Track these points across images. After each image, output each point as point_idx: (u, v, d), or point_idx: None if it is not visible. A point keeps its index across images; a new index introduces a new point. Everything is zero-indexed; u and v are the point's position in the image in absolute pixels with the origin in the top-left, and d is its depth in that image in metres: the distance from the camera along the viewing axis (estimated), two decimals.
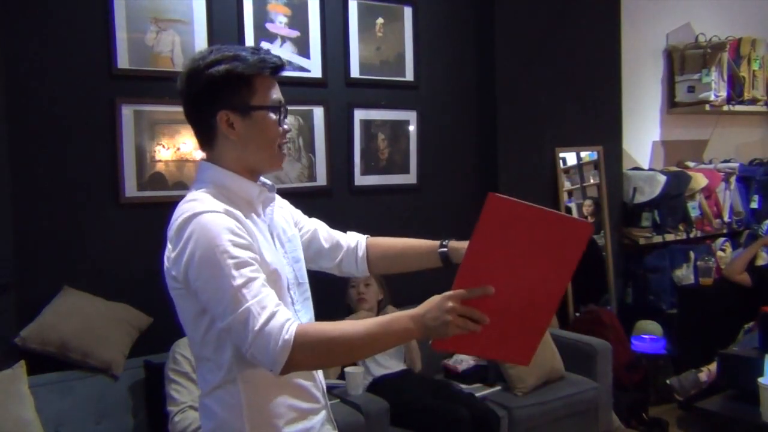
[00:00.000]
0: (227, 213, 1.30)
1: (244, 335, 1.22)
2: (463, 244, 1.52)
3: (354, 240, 1.69)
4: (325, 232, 1.71)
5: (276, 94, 1.40)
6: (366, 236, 1.71)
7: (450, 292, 1.24)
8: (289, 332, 1.21)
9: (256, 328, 1.21)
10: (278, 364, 1.21)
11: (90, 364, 2.52)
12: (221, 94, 1.35)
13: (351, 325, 1.28)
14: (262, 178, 1.48)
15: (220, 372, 1.34)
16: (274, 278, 1.36)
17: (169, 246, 1.33)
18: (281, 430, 1.36)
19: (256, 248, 1.32)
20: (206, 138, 1.41)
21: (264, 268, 1.32)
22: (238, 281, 1.24)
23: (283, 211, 1.58)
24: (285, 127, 1.42)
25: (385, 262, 1.67)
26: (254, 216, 1.41)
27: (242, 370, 1.33)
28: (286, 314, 1.25)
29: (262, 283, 1.27)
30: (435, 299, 1.25)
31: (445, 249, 1.64)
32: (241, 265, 1.25)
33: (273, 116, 1.39)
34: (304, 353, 1.22)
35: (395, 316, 1.27)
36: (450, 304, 1.22)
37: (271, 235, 1.45)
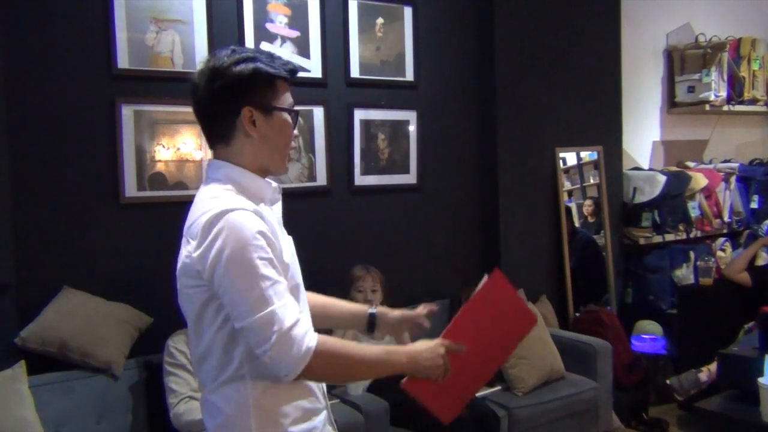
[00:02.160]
0: (256, 212, 1.32)
1: (267, 337, 1.25)
2: (389, 311, 1.67)
3: None
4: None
5: (291, 98, 1.44)
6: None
7: (442, 340, 1.43)
8: (312, 341, 1.27)
9: (283, 330, 1.25)
10: (296, 370, 1.26)
11: (90, 364, 2.52)
12: (247, 91, 1.37)
13: (363, 348, 1.39)
14: (268, 179, 1.49)
15: (228, 369, 1.34)
16: (292, 272, 1.39)
17: (191, 242, 1.32)
18: (286, 429, 1.37)
19: (280, 249, 1.34)
20: (222, 134, 1.41)
21: (285, 266, 1.35)
22: (266, 283, 1.26)
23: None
24: (295, 131, 1.46)
25: (313, 316, 1.67)
26: (270, 215, 1.42)
27: (252, 368, 1.33)
28: (309, 323, 1.31)
29: (286, 288, 1.30)
30: (430, 344, 1.42)
31: (374, 313, 1.67)
32: (270, 266, 1.28)
33: (290, 119, 1.43)
34: (321, 363, 1.29)
35: (393, 349, 1.43)
36: (443, 350, 1.41)
37: (283, 235, 1.46)
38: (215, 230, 1.27)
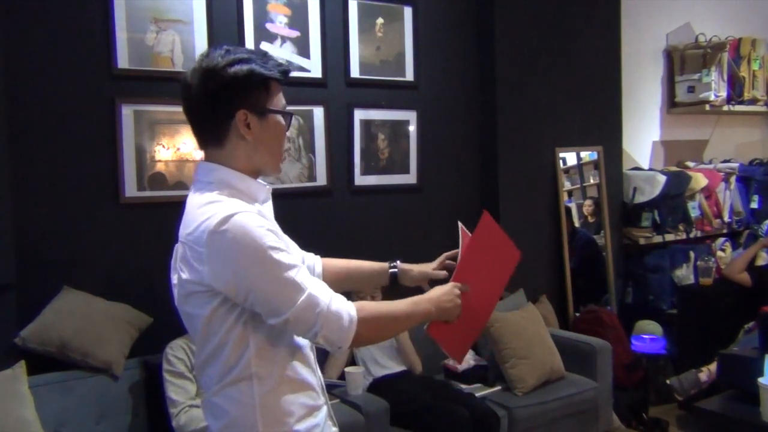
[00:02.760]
0: (260, 213, 1.33)
1: (313, 319, 1.30)
2: (410, 266, 1.75)
3: (311, 259, 1.71)
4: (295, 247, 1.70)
5: (283, 100, 1.44)
6: (318, 256, 1.74)
7: (453, 283, 1.54)
8: (353, 309, 1.34)
9: (325, 309, 1.30)
10: (348, 339, 1.33)
11: (90, 364, 2.52)
12: (242, 93, 1.36)
13: (393, 304, 1.45)
14: (260, 180, 1.49)
15: (233, 370, 1.34)
16: None
17: (195, 248, 1.30)
18: (292, 427, 1.37)
19: (287, 244, 1.39)
20: (215, 136, 1.39)
21: None
22: (292, 272, 1.30)
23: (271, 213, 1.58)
24: (288, 133, 1.47)
25: (338, 281, 1.71)
26: (266, 216, 1.42)
27: (260, 366, 1.33)
28: (340, 295, 1.37)
29: (307, 272, 1.36)
30: (445, 287, 1.52)
31: (395, 269, 1.73)
32: (288, 256, 1.31)
33: (283, 121, 1.42)
34: (368, 327, 1.36)
35: (418, 299, 1.48)
36: (458, 291, 1.52)
37: None
38: (223, 237, 1.26)
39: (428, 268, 1.75)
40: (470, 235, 1.64)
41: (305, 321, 1.30)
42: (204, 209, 1.31)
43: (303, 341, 1.42)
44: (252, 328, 1.33)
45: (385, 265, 1.73)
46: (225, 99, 1.36)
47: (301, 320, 1.29)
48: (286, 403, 1.37)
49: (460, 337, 1.62)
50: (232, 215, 1.27)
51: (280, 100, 1.42)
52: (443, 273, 1.73)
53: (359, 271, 1.75)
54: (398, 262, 1.74)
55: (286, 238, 1.44)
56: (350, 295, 3.02)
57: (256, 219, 1.30)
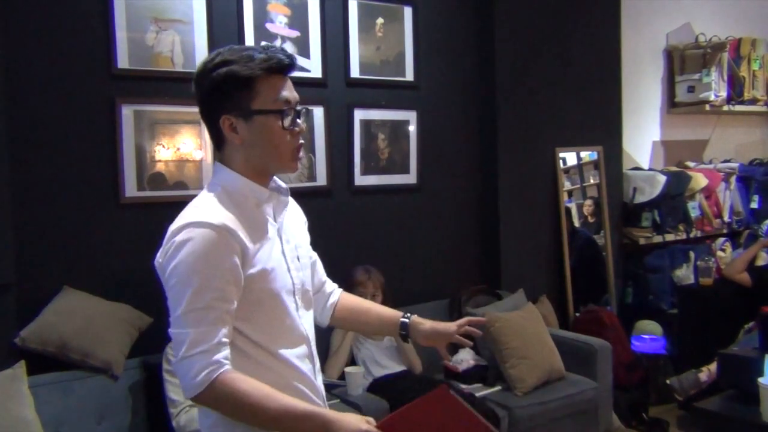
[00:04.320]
0: (223, 228, 1.29)
1: (176, 353, 1.28)
2: (423, 321, 1.61)
3: (331, 287, 1.71)
4: (320, 268, 1.69)
5: (285, 93, 1.37)
6: (341, 289, 1.73)
7: (367, 428, 1.30)
8: (212, 374, 1.25)
9: (186, 354, 1.26)
10: (189, 393, 1.28)
11: (90, 364, 2.51)
12: (222, 97, 1.34)
13: (270, 401, 1.28)
14: (278, 181, 1.48)
15: None
16: (271, 278, 1.37)
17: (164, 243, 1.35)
18: None
19: (239, 266, 1.31)
20: (216, 140, 1.41)
21: (256, 276, 1.34)
22: (196, 305, 1.27)
23: (297, 218, 1.57)
24: (296, 128, 1.39)
25: (348, 320, 1.69)
26: (262, 218, 1.41)
27: (242, 368, 1.32)
28: (222, 354, 1.27)
29: (219, 316, 1.28)
30: (354, 424, 1.29)
31: (407, 320, 1.63)
32: (207, 291, 1.27)
33: (277, 120, 1.36)
34: (213, 399, 1.27)
35: (313, 414, 1.30)
36: (364, 427, 1.28)
37: (280, 239, 1.44)
38: (175, 240, 1.29)
39: (446, 327, 1.61)
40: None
41: (174, 348, 1.29)
42: (184, 211, 1.35)
43: (289, 352, 1.41)
44: (237, 332, 1.34)
45: (397, 315, 1.64)
46: (210, 105, 1.37)
47: (173, 345, 1.30)
48: None
49: None
50: (192, 224, 1.30)
51: (273, 97, 1.35)
52: (461, 339, 1.61)
53: (367, 315, 1.68)
54: (413, 316, 1.63)
55: (290, 243, 1.43)
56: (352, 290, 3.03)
57: (212, 239, 1.28)
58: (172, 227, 1.32)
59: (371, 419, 1.32)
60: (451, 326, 1.61)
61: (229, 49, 1.37)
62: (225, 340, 1.29)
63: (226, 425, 1.35)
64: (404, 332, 1.62)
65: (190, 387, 1.26)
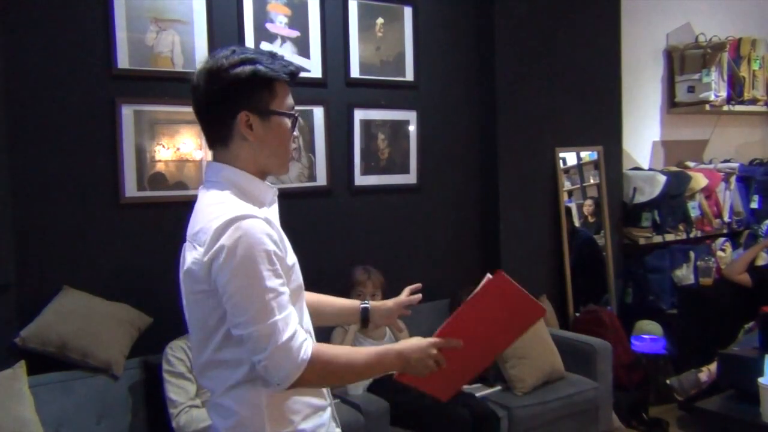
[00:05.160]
0: (266, 220, 1.32)
1: (265, 347, 1.26)
2: (381, 303, 1.73)
3: None
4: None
5: (291, 100, 1.43)
6: None
7: (433, 339, 1.45)
8: (307, 352, 1.30)
9: (279, 343, 1.26)
10: (289, 380, 1.29)
11: (90, 364, 2.52)
12: (244, 94, 1.36)
13: (355, 353, 1.41)
14: (267, 182, 1.49)
15: (239, 371, 1.35)
16: (296, 273, 1.41)
17: (197, 248, 1.31)
18: (297, 426, 1.38)
19: (286, 257, 1.36)
20: (220, 137, 1.40)
21: (289, 268, 1.37)
22: (270, 294, 1.27)
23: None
24: (294, 133, 1.45)
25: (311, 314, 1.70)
26: (272, 216, 1.43)
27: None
28: (304, 333, 1.32)
29: (288, 299, 1.31)
30: (421, 343, 1.43)
31: (367, 306, 1.72)
32: (276, 277, 1.29)
33: (288, 122, 1.41)
34: (315, 373, 1.31)
35: (385, 350, 1.43)
36: (434, 351, 1.43)
37: None
38: (226, 237, 1.27)
39: (392, 301, 1.74)
40: (477, 291, 1.52)
41: (258, 345, 1.27)
42: (212, 209, 1.33)
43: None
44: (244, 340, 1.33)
45: (356, 303, 1.73)
46: (227, 100, 1.37)
47: (255, 343, 1.28)
48: (292, 403, 1.38)
49: (447, 380, 1.54)
50: (240, 218, 1.28)
51: (285, 102, 1.41)
52: (411, 298, 1.72)
53: (330, 306, 1.72)
54: (368, 301, 1.74)
55: (286, 242, 1.44)
56: (349, 295, 3.03)
57: (262, 228, 1.29)
58: (216, 225, 1.28)
59: (432, 340, 1.44)
60: (401, 299, 1.73)
61: (240, 50, 1.39)
62: (298, 318, 1.34)
63: (246, 426, 1.35)
64: (365, 316, 1.71)
65: (292, 371, 1.28)
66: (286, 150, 1.43)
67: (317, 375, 1.32)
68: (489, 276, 1.51)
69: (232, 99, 1.36)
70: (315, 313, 1.63)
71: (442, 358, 1.44)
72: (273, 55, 1.40)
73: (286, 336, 1.27)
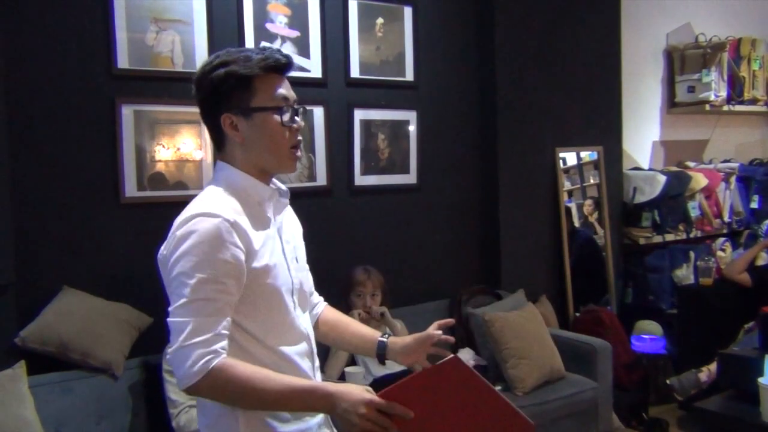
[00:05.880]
0: (228, 220, 1.31)
1: (174, 341, 1.28)
2: (399, 339, 1.59)
3: (317, 299, 1.70)
4: (311, 278, 1.64)
5: (282, 90, 1.41)
6: (326, 303, 1.72)
7: (370, 397, 1.27)
8: (210, 363, 1.25)
9: (186, 343, 1.26)
10: (183, 383, 1.26)
11: (90, 364, 2.51)
12: (222, 97, 1.38)
13: (271, 381, 1.29)
14: (277, 183, 1.50)
15: None
16: (273, 275, 1.38)
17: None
18: (276, 429, 1.37)
19: (242, 261, 1.32)
20: (217, 140, 1.44)
21: (260, 271, 1.35)
22: (196, 295, 1.27)
23: (294, 223, 1.59)
24: (294, 125, 1.42)
25: (328, 335, 1.67)
26: (264, 216, 1.43)
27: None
28: (220, 344, 1.27)
29: (220, 308, 1.29)
30: (356, 394, 1.27)
31: (384, 341, 1.60)
32: (209, 282, 1.28)
33: (276, 117, 1.39)
34: (212, 387, 1.26)
35: (313, 388, 1.32)
36: (363, 410, 1.25)
37: (280, 238, 1.46)
38: (181, 229, 1.31)
39: (420, 336, 1.57)
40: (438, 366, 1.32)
41: (171, 338, 1.28)
42: (192, 203, 1.37)
43: (290, 349, 1.41)
44: (237, 327, 1.35)
45: (375, 334, 1.62)
46: (210, 106, 1.41)
47: (171, 335, 1.29)
48: None
49: None
50: (198, 215, 1.31)
51: (271, 95, 1.39)
52: (436, 330, 1.56)
53: (348, 332, 1.66)
54: (390, 336, 1.61)
55: (271, 243, 1.41)
56: (347, 302, 3.02)
57: (216, 228, 1.29)
58: (178, 219, 1.34)
59: (368, 399, 1.27)
60: (423, 335, 1.57)
61: (227, 51, 1.42)
62: (224, 332, 1.29)
63: (222, 425, 1.35)
64: (381, 352, 1.59)
65: (186, 376, 1.25)
66: (278, 145, 1.40)
67: (213, 389, 1.27)
68: (451, 356, 1.34)
69: (214, 104, 1.40)
70: (331, 333, 1.64)
71: (387, 422, 1.27)
72: (262, 50, 1.41)
73: (193, 340, 1.25)
